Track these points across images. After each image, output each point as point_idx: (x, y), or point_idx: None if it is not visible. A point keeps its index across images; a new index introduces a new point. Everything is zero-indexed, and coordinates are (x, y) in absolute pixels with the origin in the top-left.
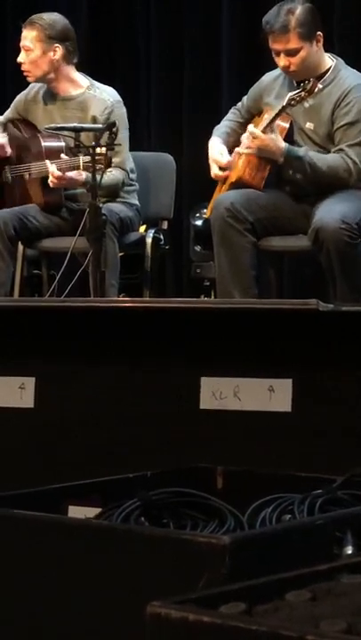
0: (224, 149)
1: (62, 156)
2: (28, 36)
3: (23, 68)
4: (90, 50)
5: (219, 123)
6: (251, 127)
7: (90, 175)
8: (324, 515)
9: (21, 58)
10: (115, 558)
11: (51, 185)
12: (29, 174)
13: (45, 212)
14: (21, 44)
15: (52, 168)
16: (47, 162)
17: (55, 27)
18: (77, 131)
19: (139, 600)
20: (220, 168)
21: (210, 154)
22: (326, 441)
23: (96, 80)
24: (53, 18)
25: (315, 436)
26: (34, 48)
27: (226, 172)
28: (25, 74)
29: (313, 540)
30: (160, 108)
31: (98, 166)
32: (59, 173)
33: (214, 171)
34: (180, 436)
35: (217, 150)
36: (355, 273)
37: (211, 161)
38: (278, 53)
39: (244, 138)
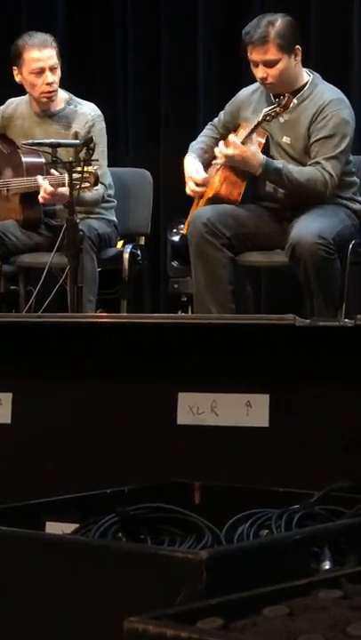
0: (200, 166)
1: (52, 171)
2: (53, 55)
3: (53, 87)
4: (67, 66)
5: (196, 139)
6: (231, 136)
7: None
8: (301, 530)
9: (51, 79)
10: (92, 574)
11: (41, 200)
12: (7, 190)
13: (24, 229)
14: (48, 64)
15: (44, 183)
16: (39, 177)
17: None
18: (54, 146)
19: (116, 615)
20: (197, 185)
21: (185, 171)
22: (304, 456)
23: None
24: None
25: (292, 451)
26: (59, 65)
27: (202, 189)
28: (51, 94)
29: (290, 556)
30: (137, 125)
31: (85, 184)
32: (51, 189)
33: (191, 187)
34: (158, 451)
35: (192, 167)
36: (331, 288)
37: (186, 178)
38: (257, 64)
39: (222, 145)
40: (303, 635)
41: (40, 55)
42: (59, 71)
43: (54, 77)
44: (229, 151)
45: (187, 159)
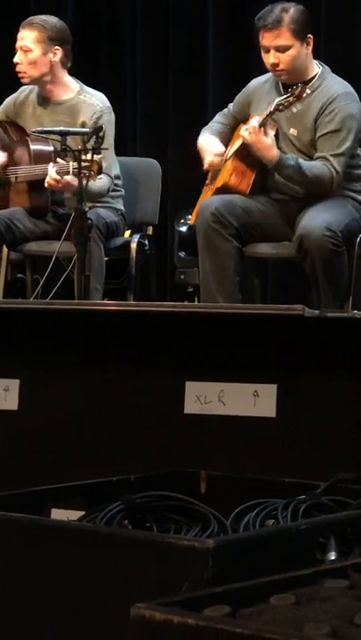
0: (215, 139)
1: (59, 160)
2: (28, 37)
3: (19, 68)
4: (76, 55)
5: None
6: (255, 120)
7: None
8: (307, 520)
9: (18, 58)
10: (98, 561)
11: (45, 185)
12: (16, 177)
13: (32, 217)
14: (19, 44)
15: (51, 171)
16: (51, 164)
17: (56, 29)
18: (64, 134)
19: (122, 603)
20: (215, 155)
21: (202, 145)
22: (310, 446)
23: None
24: (54, 20)
25: (299, 442)
26: (33, 49)
27: (220, 159)
28: (20, 75)
29: (296, 545)
30: (146, 114)
31: (89, 172)
32: (56, 176)
33: (209, 158)
34: (165, 440)
35: (208, 141)
36: (339, 280)
37: (203, 152)
38: (268, 50)
39: (244, 131)
40: (310, 623)
41: (19, 35)
42: (32, 55)
43: (22, 58)
44: (249, 136)
45: (201, 136)
